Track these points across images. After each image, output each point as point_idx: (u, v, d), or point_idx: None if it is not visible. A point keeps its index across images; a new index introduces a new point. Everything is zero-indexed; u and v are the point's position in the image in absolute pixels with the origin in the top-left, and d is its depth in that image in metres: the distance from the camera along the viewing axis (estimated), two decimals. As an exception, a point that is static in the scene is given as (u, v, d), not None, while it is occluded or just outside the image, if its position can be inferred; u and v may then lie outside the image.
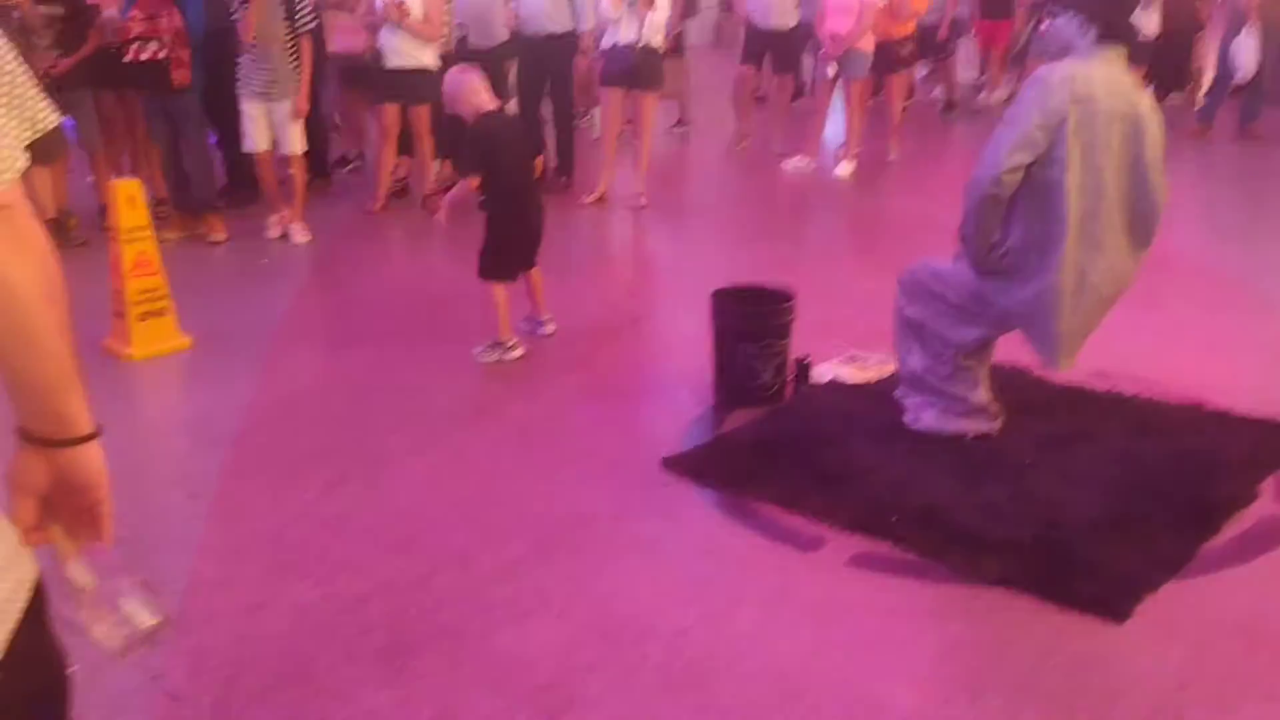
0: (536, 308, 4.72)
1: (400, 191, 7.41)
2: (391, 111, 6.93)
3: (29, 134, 1.21)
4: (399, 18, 6.63)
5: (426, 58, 6.87)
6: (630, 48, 6.80)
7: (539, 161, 4.60)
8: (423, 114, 6.97)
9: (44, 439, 1.21)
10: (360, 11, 6.86)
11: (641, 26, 6.76)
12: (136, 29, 5.98)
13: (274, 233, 6.38)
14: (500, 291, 4.46)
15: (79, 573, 1.29)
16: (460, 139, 4.58)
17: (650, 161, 7.30)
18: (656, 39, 6.88)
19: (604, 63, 7.05)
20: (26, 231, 1.16)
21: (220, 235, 6.39)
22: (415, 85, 6.85)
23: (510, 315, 4.50)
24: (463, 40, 7.52)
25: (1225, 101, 9.43)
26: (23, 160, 1.16)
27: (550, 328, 4.73)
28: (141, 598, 1.31)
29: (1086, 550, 2.91)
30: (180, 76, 6.11)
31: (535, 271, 4.63)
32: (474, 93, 4.40)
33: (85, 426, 1.24)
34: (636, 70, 6.85)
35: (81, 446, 1.24)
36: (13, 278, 1.12)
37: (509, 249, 4.48)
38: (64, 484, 1.25)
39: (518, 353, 4.48)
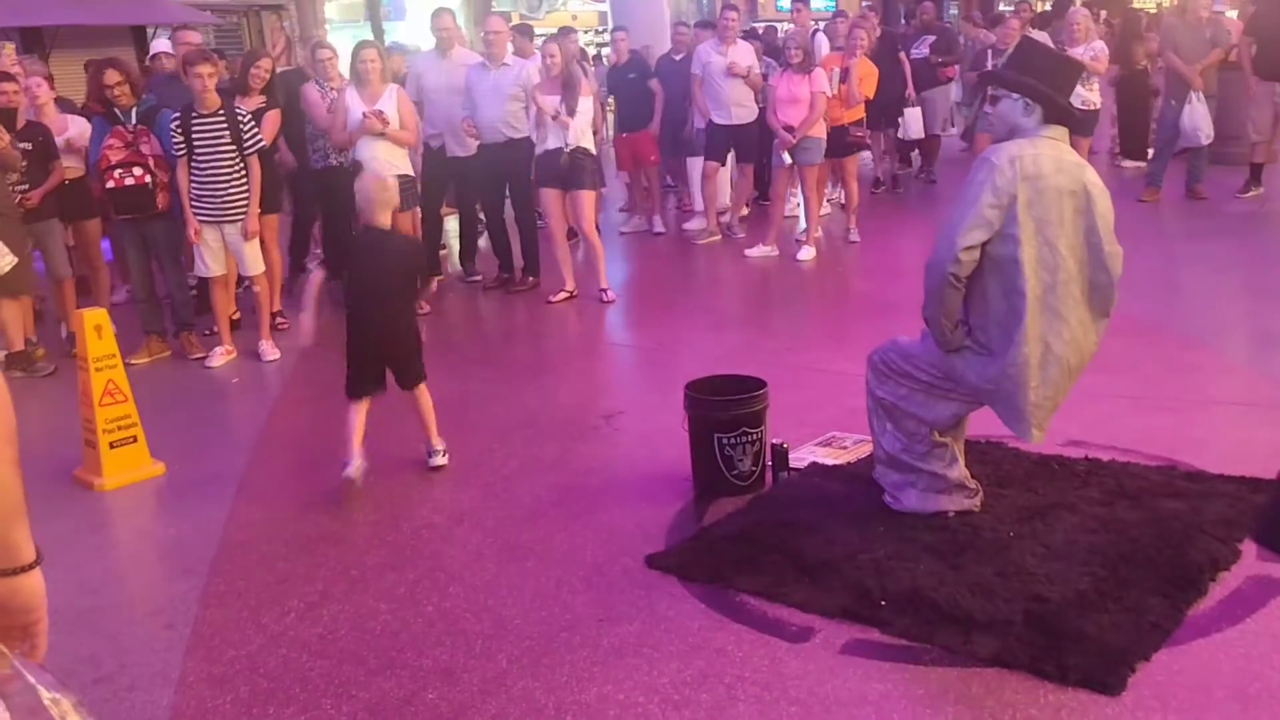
0: (425, 433, 4.48)
1: None
2: None
3: None
4: (382, 127, 6.74)
5: (404, 165, 7.00)
6: (559, 151, 7.02)
7: (432, 282, 4.51)
8: (402, 220, 7.06)
9: None
10: (338, 126, 6.96)
11: (567, 132, 6.97)
12: (116, 157, 6.04)
13: (216, 362, 6.26)
14: (351, 409, 4.30)
15: (15, 691, 1.29)
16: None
17: (606, 255, 7.46)
18: (584, 140, 7.10)
19: (538, 167, 7.27)
20: None
21: (199, 353, 6.39)
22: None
23: (358, 436, 4.27)
24: (441, 149, 7.66)
25: (1169, 165, 9.70)
26: None
27: (440, 460, 4.45)
28: (78, 718, 1.32)
29: (1076, 623, 2.90)
30: (163, 200, 6.17)
31: (418, 394, 4.42)
32: (374, 208, 4.35)
33: (29, 555, 1.29)
34: (566, 171, 7.07)
35: (24, 574, 1.29)
36: None
37: (352, 365, 4.34)
38: (2, 608, 1.29)
39: (349, 472, 4.19)
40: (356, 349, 4.34)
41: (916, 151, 11.76)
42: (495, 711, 2.77)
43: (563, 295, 7.32)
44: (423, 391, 4.44)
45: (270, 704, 2.88)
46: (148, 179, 6.07)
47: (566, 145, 6.98)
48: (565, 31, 9.72)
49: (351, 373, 4.34)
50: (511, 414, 5.13)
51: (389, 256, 4.37)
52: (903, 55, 10.53)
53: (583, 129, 7.06)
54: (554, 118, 6.93)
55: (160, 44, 7.51)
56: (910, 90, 10.53)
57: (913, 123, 10.64)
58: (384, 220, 4.38)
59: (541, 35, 9.22)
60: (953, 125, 12.79)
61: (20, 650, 1.32)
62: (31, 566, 1.30)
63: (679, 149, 9.79)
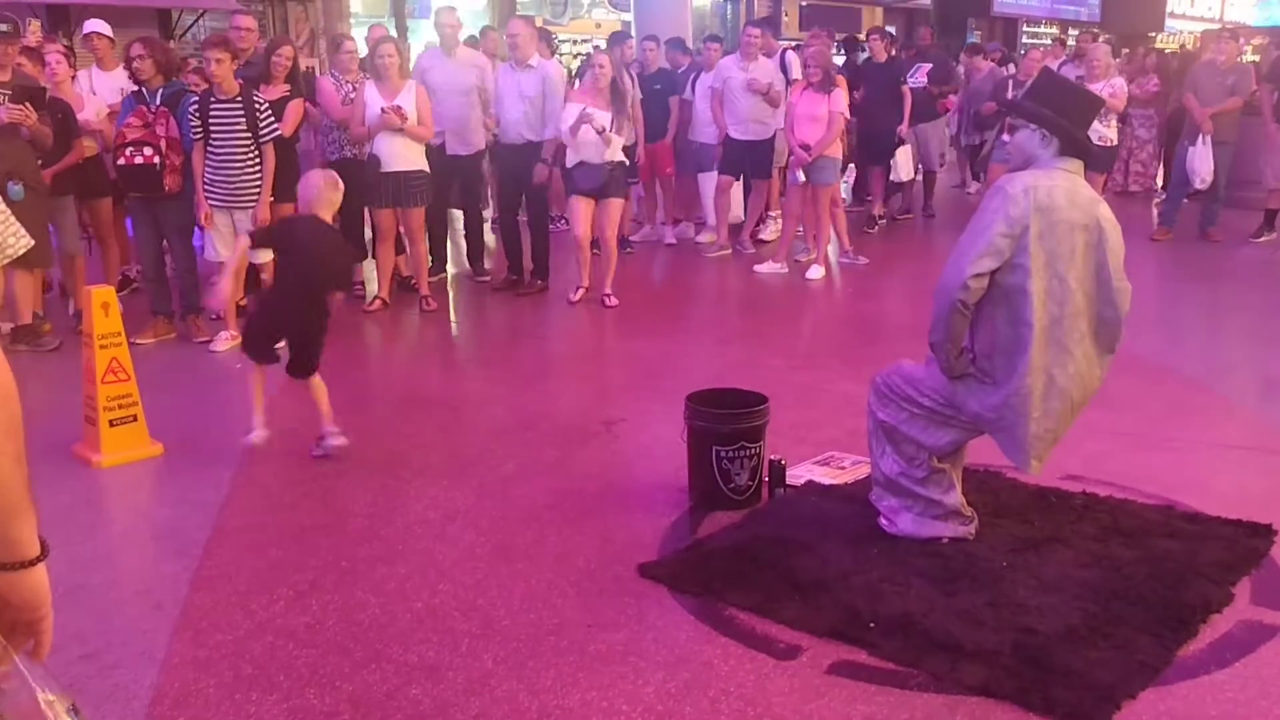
0: (322, 417, 4.58)
1: (410, 288, 7.56)
2: (389, 214, 7.05)
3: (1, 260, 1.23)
4: (401, 123, 6.77)
5: (422, 160, 7.04)
6: (599, 167, 7.07)
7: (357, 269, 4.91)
8: (417, 216, 7.10)
9: None
10: (356, 119, 6.98)
11: (604, 149, 7.03)
12: (132, 135, 6.08)
13: (220, 346, 6.25)
14: (254, 375, 4.60)
15: (11, 689, 1.27)
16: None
17: (620, 263, 7.51)
18: (619, 155, 7.16)
19: (574, 177, 7.27)
20: None
21: (204, 337, 6.40)
22: (412, 188, 7.00)
23: (262, 400, 4.60)
24: (441, 147, 7.69)
25: (1183, 206, 9.71)
26: None
27: (340, 439, 4.56)
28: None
29: (1065, 657, 2.89)
30: (171, 182, 6.18)
31: (312, 382, 4.56)
32: (323, 206, 4.59)
33: (32, 550, 1.24)
34: (604, 184, 7.14)
35: (26, 570, 1.24)
36: None
37: (256, 333, 4.63)
38: (4, 603, 1.24)
39: (257, 436, 4.56)
40: (264, 322, 4.61)
41: (899, 195, 10.92)
42: (478, 711, 2.76)
43: (581, 295, 7.40)
44: (316, 380, 4.59)
45: (254, 690, 2.87)
46: (156, 160, 6.10)
47: (603, 160, 7.02)
48: (619, 38, 9.71)
49: (253, 339, 4.61)
50: (511, 415, 5.13)
51: (325, 247, 4.59)
52: (905, 88, 9.84)
53: (617, 147, 7.10)
54: (600, 132, 6.92)
55: (93, 24, 7.46)
56: (904, 125, 9.77)
57: (903, 164, 10.03)
58: (327, 216, 4.60)
59: (565, 41, 9.25)
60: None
61: (25, 647, 1.29)
62: (34, 562, 1.24)
63: None
